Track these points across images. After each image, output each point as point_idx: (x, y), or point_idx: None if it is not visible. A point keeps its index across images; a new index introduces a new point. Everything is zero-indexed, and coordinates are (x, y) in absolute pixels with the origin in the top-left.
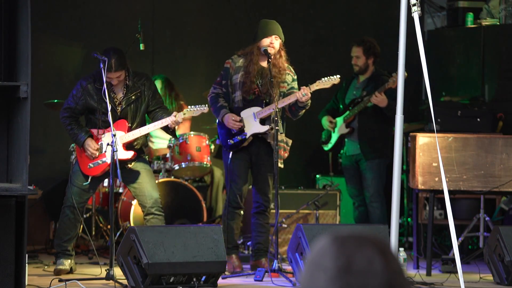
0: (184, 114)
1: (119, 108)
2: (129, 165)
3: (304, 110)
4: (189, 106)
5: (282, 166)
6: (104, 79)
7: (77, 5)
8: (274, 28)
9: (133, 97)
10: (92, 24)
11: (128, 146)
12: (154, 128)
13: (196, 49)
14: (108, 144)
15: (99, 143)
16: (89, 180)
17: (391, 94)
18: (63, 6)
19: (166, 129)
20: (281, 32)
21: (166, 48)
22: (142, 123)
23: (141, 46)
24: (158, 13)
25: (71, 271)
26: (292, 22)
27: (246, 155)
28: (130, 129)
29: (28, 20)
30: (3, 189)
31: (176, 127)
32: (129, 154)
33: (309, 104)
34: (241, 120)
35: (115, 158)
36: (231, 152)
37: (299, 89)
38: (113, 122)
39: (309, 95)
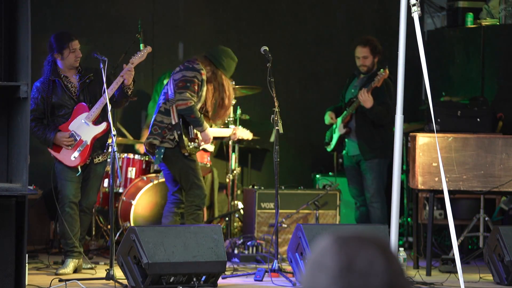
0: (132, 64)
1: (75, 94)
2: (96, 160)
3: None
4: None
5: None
6: (104, 79)
7: (78, 5)
8: None
9: (87, 80)
10: (92, 24)
11: (96, 122)
12: (112, 92)
13: (196, 49)
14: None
15: (70, 133)
16: (79, 170)
17: (378, 98)
18: (63, 6)
19: (123, 93)
20: None
21: (166, 48)
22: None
23: (141, 46)
24: (158, 13)
25: (76, 271)
26: (292, 22)
27: None
28: (90, 108)
29: (28, 20)
30: (3, 189)
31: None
32: (102, 127)
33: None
34: None
35: (115, 158)
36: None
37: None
38: (72, 109)
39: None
